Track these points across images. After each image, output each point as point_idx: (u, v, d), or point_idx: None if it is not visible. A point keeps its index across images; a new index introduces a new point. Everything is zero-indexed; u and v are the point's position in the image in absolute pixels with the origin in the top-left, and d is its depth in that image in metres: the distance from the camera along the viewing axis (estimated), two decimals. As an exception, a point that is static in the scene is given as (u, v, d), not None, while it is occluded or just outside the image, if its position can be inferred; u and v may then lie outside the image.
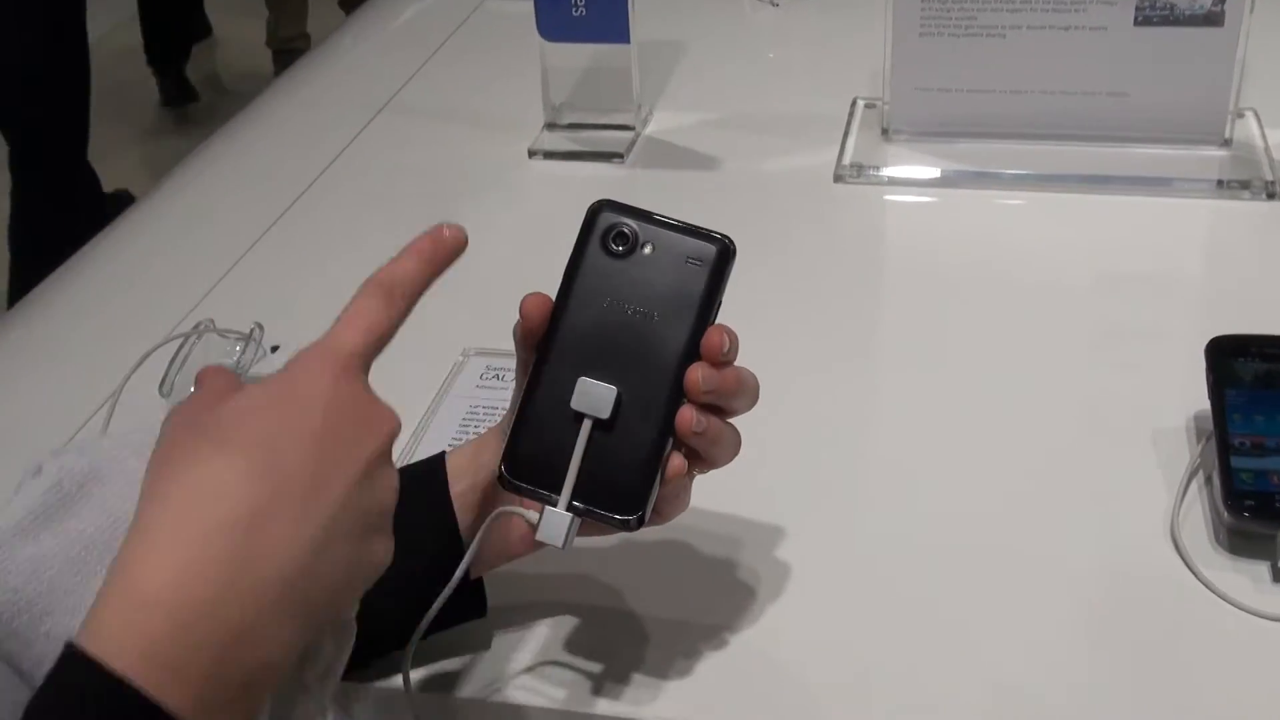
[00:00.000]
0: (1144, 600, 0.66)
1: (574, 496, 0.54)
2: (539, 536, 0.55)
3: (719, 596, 0.67)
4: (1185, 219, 0.99)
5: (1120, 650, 0.63)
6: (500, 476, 0.56)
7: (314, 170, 1.15)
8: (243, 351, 0.84)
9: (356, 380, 0.48)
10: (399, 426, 0.50)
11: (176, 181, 1.19)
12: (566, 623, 0.67)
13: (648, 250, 0.55)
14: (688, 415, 0.54)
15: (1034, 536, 0.70)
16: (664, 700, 0.62)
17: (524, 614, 0.67)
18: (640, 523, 0.55)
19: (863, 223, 1.03)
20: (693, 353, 0.54)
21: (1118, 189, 1.01)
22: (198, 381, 0.50)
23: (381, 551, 0.48)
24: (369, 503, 0.47)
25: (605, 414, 0.53)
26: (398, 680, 0.60)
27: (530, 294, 0.56)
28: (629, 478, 0.54)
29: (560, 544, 0.55)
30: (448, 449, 0.63)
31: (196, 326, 0.86)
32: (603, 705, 0.62)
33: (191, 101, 3.35)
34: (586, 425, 0.54)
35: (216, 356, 0.84)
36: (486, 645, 0.65)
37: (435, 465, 0.61)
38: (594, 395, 0.54)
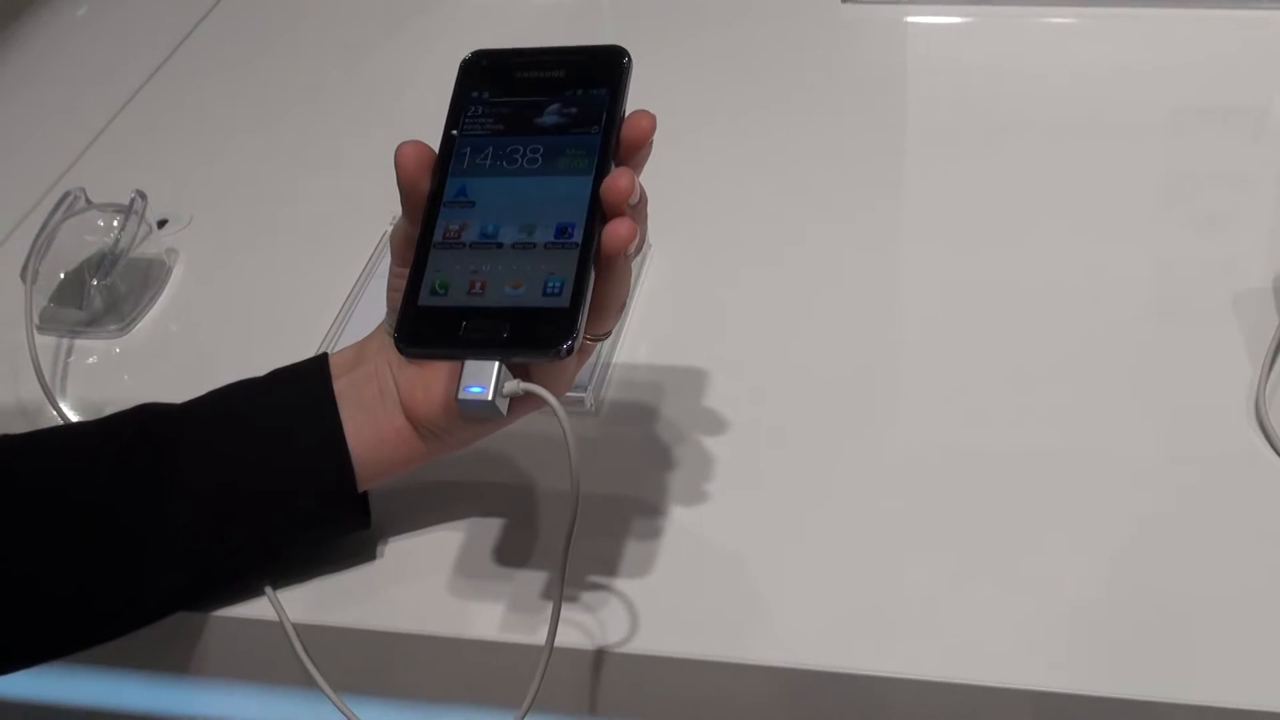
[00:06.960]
0: (1225, 492, 0.67)
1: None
2: (461, 398, 0.57)
3: (696, 507, 0.68)
4: (1275, 39, 0.99)
5: (1198, 553, 0.64)
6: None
7: (199, 8, 1.13)
8: (122, 228, 0.83)
9: None
10: None
11: (33, 24, 1.17)
12: (486, 540, 0.68)
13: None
14: (621, 184, 0.57)
15: (1092, 426, 0.71)
16: (642, 632, 0.63)
17: (414, 527, 0.69)
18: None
19: (879, 52, 1.03)
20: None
21: (1194, 1, 1.01)
22: None
23: None
24: None
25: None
26: (265, 606, 0.65)
27: (404, 143, 0.59)
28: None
29: (489, 396, 0.56)
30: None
31: (64, 199, 0.85)
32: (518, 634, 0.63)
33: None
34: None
35: (90, 234, 0.84)
36: (371, 562, 0.68)
37: (319, 363, 0.65)
38: None
